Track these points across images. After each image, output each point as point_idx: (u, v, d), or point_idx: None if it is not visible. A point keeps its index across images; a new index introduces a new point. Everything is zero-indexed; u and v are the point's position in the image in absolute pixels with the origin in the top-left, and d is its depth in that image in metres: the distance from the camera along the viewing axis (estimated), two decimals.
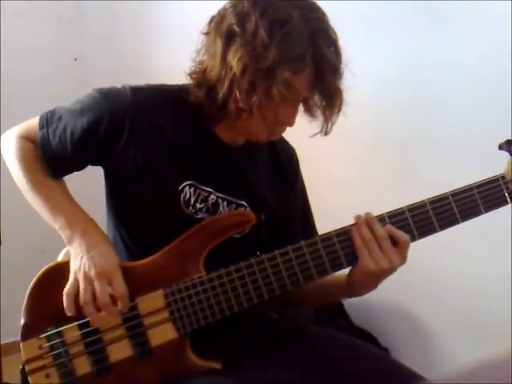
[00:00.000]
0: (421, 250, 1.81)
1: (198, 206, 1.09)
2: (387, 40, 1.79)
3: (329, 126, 1.04)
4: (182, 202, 1.07)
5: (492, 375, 0.43)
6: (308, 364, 1.08)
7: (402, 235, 1.01)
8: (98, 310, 0.98)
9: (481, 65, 1.58)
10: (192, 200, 1.08)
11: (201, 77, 1.05)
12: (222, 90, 0.99)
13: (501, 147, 1.06)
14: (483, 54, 1.57)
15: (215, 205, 1.10)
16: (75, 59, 2.76)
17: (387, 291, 1.89)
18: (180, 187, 1.07)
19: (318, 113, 1.04)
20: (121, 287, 0.99)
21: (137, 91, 1.09)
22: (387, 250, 1.00)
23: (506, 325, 1.51)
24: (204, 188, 1.09)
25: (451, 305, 1.72)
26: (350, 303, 1.92)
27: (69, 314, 1.00)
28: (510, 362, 0.43)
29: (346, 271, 1.07)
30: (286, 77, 0.95)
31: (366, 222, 1.02)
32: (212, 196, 1.10)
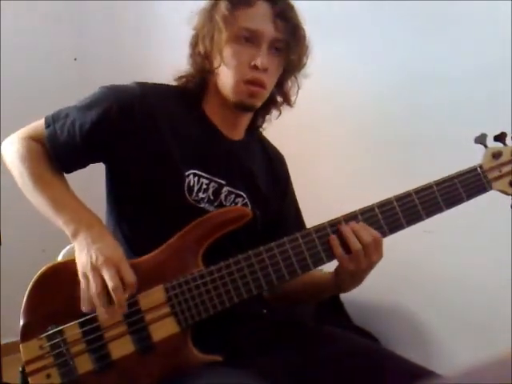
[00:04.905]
0: (421, 250, 1.81)
1: (201, 195, 1.11)
2: (387, 42, 1.79)
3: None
4: (185, 189, 1.09)
5: (492, 375, 0.43)
6: (308, 361, 1.09)
7: (375, 234, 1.04)
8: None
9: (481, 65, 1.58)
10: (195, 188, 1.10)
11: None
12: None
13: (476, 141, 1.13)
14: (483, 54, 1.57)
15: (216, 193, 1.13)
16: (75, 59, 2.77)
17: (387, 291, 1.90)
18: (185, 175, 1.10)
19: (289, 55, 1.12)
20: (129, 275, 0.99)
21: (143, 84, 1.15)
22: (371, 254, 1.02)
23: (507, 324, 1.51)
24: (207, 176, 1.12)
25: (451, 305, 1.72)
26: (350, 303, 1.92)
27: (85, 310, 0.99)
28: (510, 361, 0.43)
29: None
30: (224, 12, 1.07)
31: (353, 230, 1.03)
32: (213, 184, 1.12)
